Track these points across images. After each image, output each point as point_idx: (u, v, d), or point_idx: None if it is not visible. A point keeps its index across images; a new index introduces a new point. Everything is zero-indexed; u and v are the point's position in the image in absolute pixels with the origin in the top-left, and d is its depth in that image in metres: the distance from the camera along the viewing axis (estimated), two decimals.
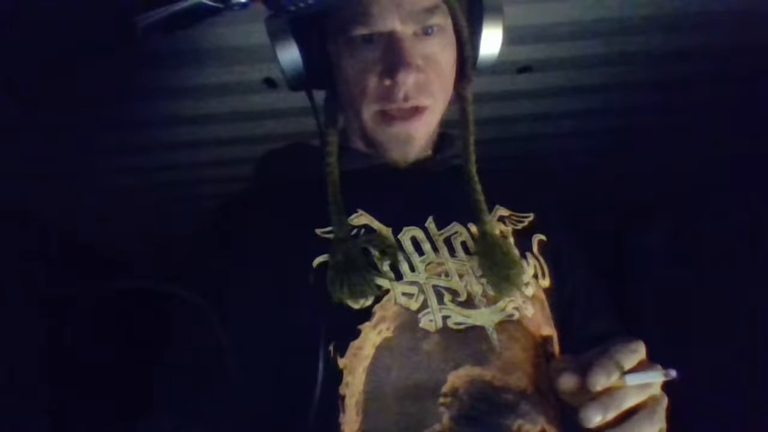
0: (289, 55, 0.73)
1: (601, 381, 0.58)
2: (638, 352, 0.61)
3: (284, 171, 0.83)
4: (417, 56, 0.70)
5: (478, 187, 0.75)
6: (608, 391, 0.58)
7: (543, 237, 0.79)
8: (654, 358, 0.63)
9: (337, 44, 0.72)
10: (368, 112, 0.73)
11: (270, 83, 1.58)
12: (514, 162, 2.24)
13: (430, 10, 0.69)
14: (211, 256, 0.77)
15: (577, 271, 0.82)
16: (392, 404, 0.64)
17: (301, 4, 0.60)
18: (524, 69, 1.60)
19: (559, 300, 0.78)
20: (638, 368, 0.60)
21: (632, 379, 0.58)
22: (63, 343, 2.56)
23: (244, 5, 0.63)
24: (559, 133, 2.06)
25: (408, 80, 0.69)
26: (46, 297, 2.43)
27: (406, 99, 0.71)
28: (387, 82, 0.70)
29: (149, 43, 1.38)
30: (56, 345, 2.52)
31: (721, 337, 2.28)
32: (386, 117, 0.73)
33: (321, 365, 0.64)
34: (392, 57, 0.69)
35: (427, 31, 0.70)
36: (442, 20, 0.71)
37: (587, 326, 0.80)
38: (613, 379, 0.58)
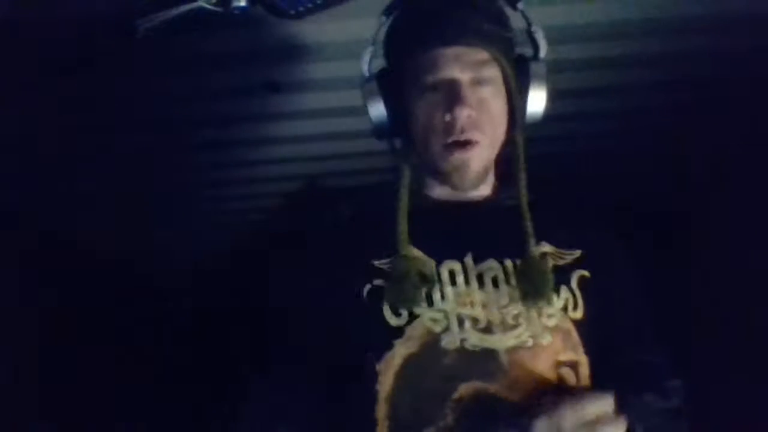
0: (377, 111, 0.93)
1: None
2: (589, 409, 0.75)
3: (361, 205, 1.00)
4: (472, 99, 0.87)
5: (528, 222, 0.90)
6: None
7: (586, 273, 0.91)
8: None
9: (412, 95, 0.89)
10: (436, 145, 0.89)
11: (273, 88, 1.58)
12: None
13: (483, 63, 0.87)
14: (286, 272, 0.96)
15: (627, 306, 0.94)
16: (411, 402, 0.82)
17: (301, 8, 0.61)
18: None
19: (595, 330, 0.89)
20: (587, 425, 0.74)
21: None
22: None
23: (243, 9, 0.64)
24: (560, 135, 2.07)
25: (463, 114, 0.86)
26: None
27: (462, 131, 0.87)
28: (447, 118, 0.86)
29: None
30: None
31: (721, 339, 2.28)
32: (448, 148, 0.88)
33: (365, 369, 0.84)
34: (452, 97, 0.86)
35: (480, 81, 0.88)
36: (494, 73, 0.89)
37: (630, 353, 0.91)
38: None
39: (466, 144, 0.87)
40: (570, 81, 1.70)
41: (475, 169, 0.90)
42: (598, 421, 0.74)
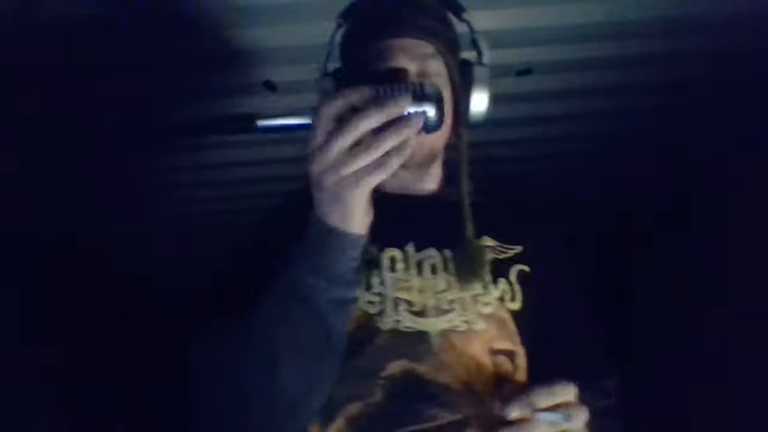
0: None
1: (513, 412, 0.77)
2: (559, 395, 0.77)
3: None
4: None
5: (467, 212, 0.93)
6: (520, 422, 0.77)
7: (525, 268, 0.95)
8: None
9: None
10: None
11: (269, 87, 1.58)
12: (510, 165, 2.25)
13: (430, 56, 0.92)
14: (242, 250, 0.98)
15: (563, 304, 0.98)
16: (344, 377, 0.83)
17: None
18: (523, 72, 1.61)
19: (531, 323, 0.93)
20: (556, 409, 0.77)
21: (542, 417, 0.76)
22: None
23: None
24: (559, 135, 2.07)
25: None
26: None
27: None
28: None
29: None
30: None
31: (723, 339, 2.28)
32: None
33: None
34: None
35: (426, 73, 0.92)
36: (439, 68, 0.93)
37: (567, 350, 0.96)
38: (525, 413, 0.77)
39: None
40: (568, 81, 1.71)
41: (416, 149, 0.90)
42: (568, 405, 0.78)
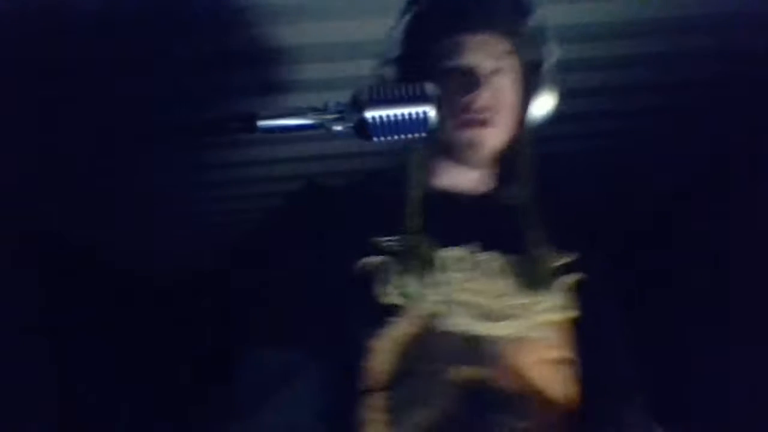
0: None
1: None
2: None
3: (365, 187, 1.01)
4: (491, 85, 0.90)
5: (532, 216, 0.91)
6: None
7: (578, 276, 0.93)
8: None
9: (432, 78, 0.86)
10: (451, 122, 0.90)
11: (271, 87, 1.58)
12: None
13: (503, 54, 0.90)
14: (286, 239, 0.96)
15: (608, 320, 0.97)
16: (407, 383, 0.83)
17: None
18: None
19: (582, 332, 0.92)
20: None
21: None
22: None
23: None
24: (559, 135, 2.06)
25: (483, 96, 0.88)
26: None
27: (480, 111, 0.89)
28: (467, 98, 0.89)
29: None
30: None
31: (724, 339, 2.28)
32: (463, 124, 0.90)
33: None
34: (473, 81, 0.89)
35: (500, 71, 0.90)
36: (513, 65, 0.92)
37: (611, 362, 0.95)
38: None
39: (482, 122, 0.89)
40: (568, 81, 1.70)
41: (488, 146, 0.91)
42: None
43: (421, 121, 0.70)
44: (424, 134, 0.73)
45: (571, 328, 0.91)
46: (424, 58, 0.92)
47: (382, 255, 0.87)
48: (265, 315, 0.92)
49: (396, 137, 0.73)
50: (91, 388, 2.59)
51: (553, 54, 0.95)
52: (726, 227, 2.32)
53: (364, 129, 0.72)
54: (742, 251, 2.22)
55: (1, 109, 1.58)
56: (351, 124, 0.72)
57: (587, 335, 0.92)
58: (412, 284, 0.85)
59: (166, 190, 2.30)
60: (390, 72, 0.94)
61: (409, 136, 0.73)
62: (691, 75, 1.70)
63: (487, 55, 0.90)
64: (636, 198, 2.67)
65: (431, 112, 0.70)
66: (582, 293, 0.92)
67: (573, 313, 0.91)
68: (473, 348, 0.84)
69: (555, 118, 2.00)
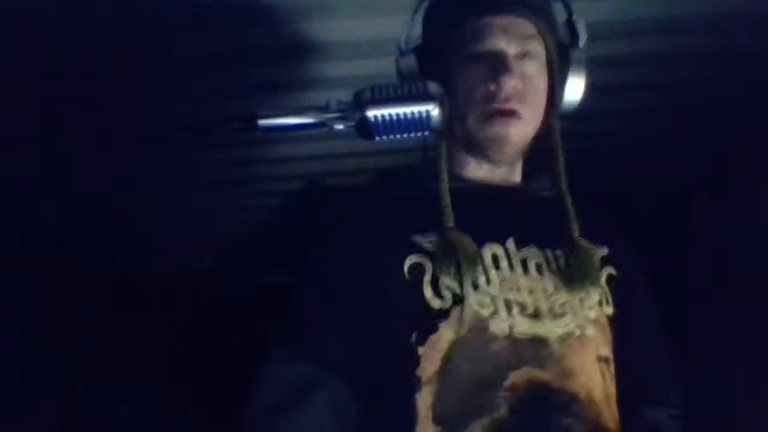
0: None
1: None
2: None
3: (392, 184, 0.94)
4: (517, 71, 0.83)
5: (571, 209, 0.88)
6: None
7: (613, 271, 0.90)
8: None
9: (454, 66, 0.85)
10: (473, 115, 0.85)
11: (271, 87, 1.58)
12: None
13: (531, 37, 0.85)
14: (322, 242, 0.90)
15: (645, 310, 0.95)
16: (460, 391, 0.77)
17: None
18: None
19: (618, 329, 0.88)
20: None
21: None
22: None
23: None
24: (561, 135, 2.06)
25: (509, 83, 0.82)
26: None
27: (506, 101, 0.83)
28: (492, 87, 0.82)
29: None
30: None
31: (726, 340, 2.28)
32: (488, 116, 0.84)
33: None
34: (498, 67, 0.82)
35: (526, 55, 0.84)
36: (539, 49, 0.86)
37: (646, 361, 0.94)
38: None
39: (509, 113, 0.84)
40: None
41: (515, 142, 0.86)
42: None
43: (424, 120, 0.70)
44: (426, 133, 0.72)
45: (611, 324, 0.87)
46: (444, 47, 0.86)
47: (423, 255, 0.82)
48: (299, 323, 0.86)
49: (398, 136, 0.73)
50: (91, 388, 2.59)
51: (578, 38, 0.91)
52: (726, 227, 2.33)
53: (366, 128, 0.71)
54: (742, 251, 2.22)
55: (1, 109, 1.58)
56: (353, 123, 0.72)
57: (626, 332, 0.89)
58: (456, 285, 0.80)
59: (167, 190, 2.30)
60: (408, 64, 0.88)
61: (411, 135, 0.73)
62: (691, 75, 1.70)
63: (512, 39, 0.83)
64: (636, 198, 2.67)
65: (434, 110, 0.70)
66: (616, 287, 0.89)
67: (610, 310, 0.88)
68: (528, 350, 0.79)
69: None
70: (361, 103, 0.71)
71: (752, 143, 2.06)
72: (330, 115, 0.72)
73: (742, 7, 1.41)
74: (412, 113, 0.69)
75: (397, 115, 0.70)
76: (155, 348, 3.01)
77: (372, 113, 0.70)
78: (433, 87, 0.70)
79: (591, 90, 1.71)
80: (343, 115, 0.72)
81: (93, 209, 2.36)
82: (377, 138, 0.72)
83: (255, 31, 1.42)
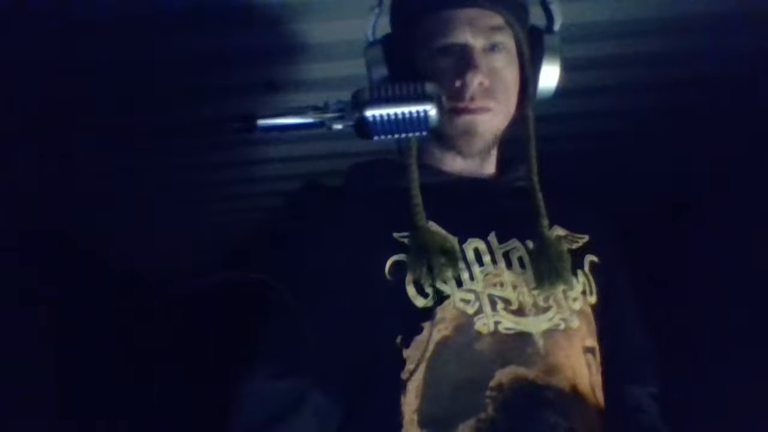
0: (380, 77, 0.86)
1: None
2: None
3: (369, 180, 0.93)
4: (484, 66, 0.82)
5: (541, 202, 0.85)
6: None
7: (595, 258, 0.89)
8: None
9: (420, 60, 0.84)
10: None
11: (272, 87, 1.58)
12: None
13: (497, 29, 0.82)
14: (300, 243, 0.87)
15: (623, 294, 0.93)
16: (446, 392, 0.76)
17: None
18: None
19: (602, 317, 0.87)
20: None
21: None
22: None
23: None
24: (559, 135, 2.07)
25: (475, 81, 0.80)
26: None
27: (472, 99, 0.81)
28: (458, 83, 0.81)
29: None
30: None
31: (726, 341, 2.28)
32: (455, 112, 0.82)
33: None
34: (463, 62, 0.81)
35: (493, 48, 0.82)
36: (507, 40, 0.83)
37: (625, 342, 0.92)
38: None
39: (475, 111, 0.82)
40: (568, 81, 1.70)
41: (483, 134, 0.84)
42: None
43: (422, 120, 0.70)
44: (424, 133, 0.72)
45: (594, 312, 0.86)
46: (411, 38, 0.85)
47: (402, 253, 0.80)
48: (280, 337, 0.83)
49: (396, 136, 0.73)
50: (91, 388, 2.59)
51: (554, 22, 0.87)
52: (726, 228, 2.32)
53: (364, 128, 0.71)
54: (742, 252, 2.22)
55: (1, 109, 1.58)
56: (351, 123, 0.72)
57: (608, 316, 0.88)
58: (439, 282, 0.78)
59: (166, 189, 2.30)
60: (374, 56, 0.86)
61: (410, 135, 0.73)
62: (691, 75, 1.70)
63: (478, 32, 0.81)
64: (635, 198, 2.67)
65: (432, 110, 0.70)
66: (597, 274, 0.88)
67: (593, 300, 0.86)
68: (512, 347, 0.78)
69: (555, 118, 2.01)
70: (359, 103, 0.71)
71: (752, 143, 2.06)
72: (328, 115, 0.72)
73: (742, 7, 1.41)
74: (410, 113, 0.69)
75: (395, 115, 0.70)
76: (155, 348, 3.01)
77: (370, 113, 0.70)
78: (431, 87, 0.70)
79: (591, 90, 1.74)
80: (342, 115, 0.72)
81: (94, 209, 2.37)
82: (375, 138, 0.72)
83: (255, 31, 1.42)
